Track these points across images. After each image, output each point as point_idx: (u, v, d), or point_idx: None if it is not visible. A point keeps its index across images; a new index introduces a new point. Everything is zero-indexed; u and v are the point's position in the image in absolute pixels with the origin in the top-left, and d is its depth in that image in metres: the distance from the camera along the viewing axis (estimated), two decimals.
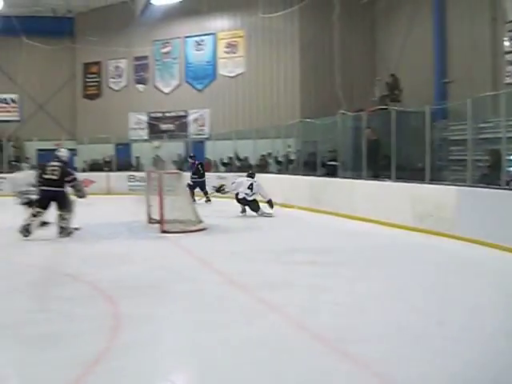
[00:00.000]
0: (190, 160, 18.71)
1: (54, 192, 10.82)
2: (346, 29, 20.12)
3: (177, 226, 11.39)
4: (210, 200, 17.83)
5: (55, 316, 5.67)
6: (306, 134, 17.85)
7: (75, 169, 23.81)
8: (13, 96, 27.35)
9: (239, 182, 14.37)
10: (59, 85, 27.52)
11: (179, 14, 23.71)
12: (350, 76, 20.46)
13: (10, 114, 27.39)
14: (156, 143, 24.61)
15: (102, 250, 9.57)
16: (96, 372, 4.22)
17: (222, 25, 23.98)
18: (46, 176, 10.92)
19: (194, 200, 17.40)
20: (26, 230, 10.49)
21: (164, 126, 25.05)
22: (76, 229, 11.03)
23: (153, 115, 25.36)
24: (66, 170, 11.06)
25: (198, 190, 17.89)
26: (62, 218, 10.90)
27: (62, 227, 10.89)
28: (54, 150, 24.08)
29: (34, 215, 10.71)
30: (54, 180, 10.84)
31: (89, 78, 27.02)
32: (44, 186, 10.91)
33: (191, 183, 17.42)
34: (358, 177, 13.38)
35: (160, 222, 11.39)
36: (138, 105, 25.61)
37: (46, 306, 5.99)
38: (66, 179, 10.90)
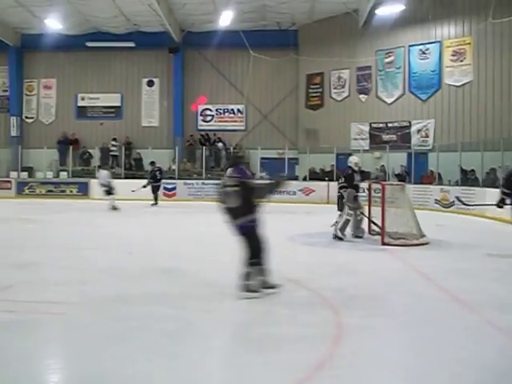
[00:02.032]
0: (151, 166, 22.06)
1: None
2: None
3: (398, 239, 11.17)
4: (157, 203, 21.22)
5: (280, 319, 5.87)
6: None
7: (296, 178, 24.66)
8: (240, 107, 29.09)
9: None
10: (282, 95, 28.58)
11: (403, 22, 23.36)
12: None
13: (237, 124, 29.23)
14: (377, 154, 24.50)
15: (323, 259, 9.72)
16: (317, 377, 4.29)
17: (448, 32, 23.01)
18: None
19: (157, 203, 21.24)
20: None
21: (386, 137, 24.67)
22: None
23: (374, 125, 25.13)
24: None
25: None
26: (336, 222, 11.84)
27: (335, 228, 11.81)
28: (277, 158, 25.54)
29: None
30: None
31: (312, 88, 27.59)
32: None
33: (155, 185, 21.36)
34: None
35: (381, 233, 11.27)
36: (360, 115, 25.61)
37: (270, 309, 6.20)
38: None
